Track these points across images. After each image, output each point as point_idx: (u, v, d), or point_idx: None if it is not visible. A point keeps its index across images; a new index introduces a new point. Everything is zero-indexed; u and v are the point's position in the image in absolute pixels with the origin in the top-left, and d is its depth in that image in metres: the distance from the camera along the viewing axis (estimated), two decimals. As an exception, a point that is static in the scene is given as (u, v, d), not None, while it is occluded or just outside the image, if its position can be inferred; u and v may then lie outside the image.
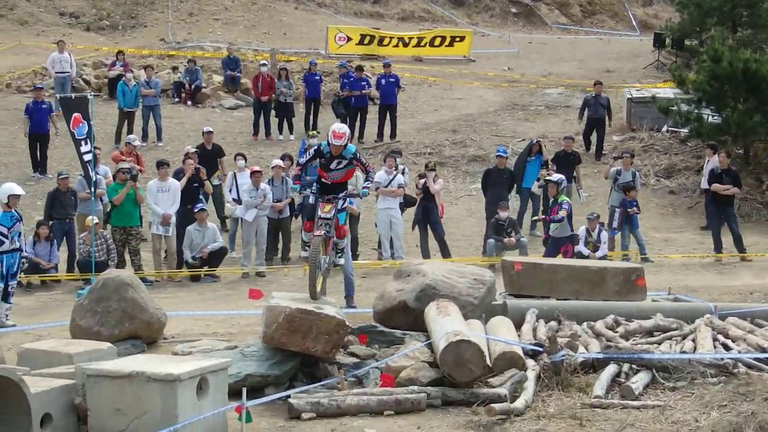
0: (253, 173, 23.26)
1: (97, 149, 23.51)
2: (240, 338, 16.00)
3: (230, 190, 23.94)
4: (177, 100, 35.43)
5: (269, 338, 13.61)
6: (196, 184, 23.33)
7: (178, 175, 23.43)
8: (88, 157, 21.12)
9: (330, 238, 15.20)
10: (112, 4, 47.11)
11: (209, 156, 25.54)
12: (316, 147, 15.57)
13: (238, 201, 23.36)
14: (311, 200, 15.43)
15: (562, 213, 21.46)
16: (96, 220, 21.64)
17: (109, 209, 22.69)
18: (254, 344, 14.07)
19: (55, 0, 46.98)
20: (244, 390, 11.73)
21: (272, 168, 24.19)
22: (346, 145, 15.03)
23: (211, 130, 27.03)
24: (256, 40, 44.13)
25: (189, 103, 35.26)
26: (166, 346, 16.03)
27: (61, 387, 11.77)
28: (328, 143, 15.02)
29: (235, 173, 24.10)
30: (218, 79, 37.10)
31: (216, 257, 22.60)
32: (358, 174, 18.86)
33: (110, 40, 43.56)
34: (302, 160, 16.14)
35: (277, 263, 23.39)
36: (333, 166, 15.16)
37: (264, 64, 33.26)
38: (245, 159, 25.04)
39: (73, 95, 24.90)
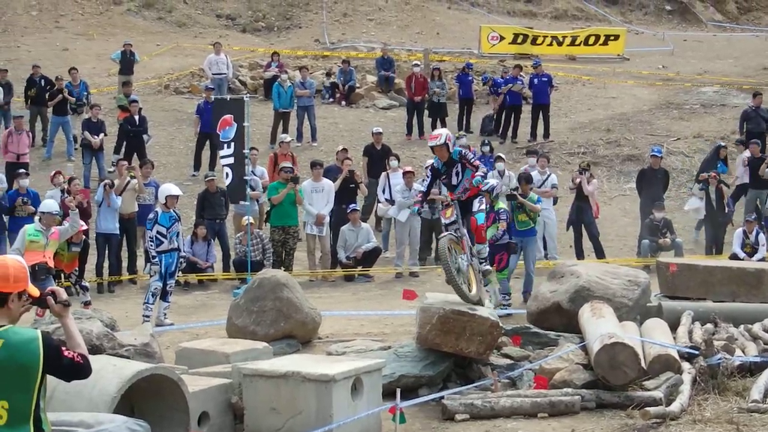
0: (405, 173, 23.32)
1: (254, 150, 23.84)
2: (394, 339, 16.05)
3: (383, 191, 24.03)
4: (331, 100, 35.72)
5: (423, 339, 13.63)
6: (352, 185, 23.48)
7: (329, 173, 23.60)
8: (229, 161, 21.20)
9: (461, 238, 14.47)
10: (267, 5, 47.67)
11: (378, 156, 25.71)
12: (429, 167, 15.31)
13: (391, 201, 23.44)
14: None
15: (503, 225, 19.39)
16: (251, 221, 21.91)
17: (268, 208, 22.96)
18: (408, 345, 14.10)
19: (212, 2, 47.77)
20: (398, 391, 11.75)
21: (426, 168, 24.19)
22: (446, 145, 14.49)
23: (381, 130, 27.18)
24: (410, 40, 44.21)
25: (343, 103, 35.52)
26: (320, 345, 16.17)
27: (218, 386, 11.93)
28: (433, 151, 14.80)
29: (388, 173, 24.21)
30: (372, 79, 37.30)
31: (370, 257, 22.72)
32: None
33: (266, 42, 44.11)
34: (424, 187, 15.34)
35: (431, 263, 23.36)
36: (454, 181, 14.59)
37: (417, 65, 33.27)
38: (398, 159, 25.09)
39: (228, 97, 25.25)
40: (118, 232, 22.14)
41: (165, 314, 18.57)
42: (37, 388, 6.26)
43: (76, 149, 29.56)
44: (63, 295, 6.52)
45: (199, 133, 28.48)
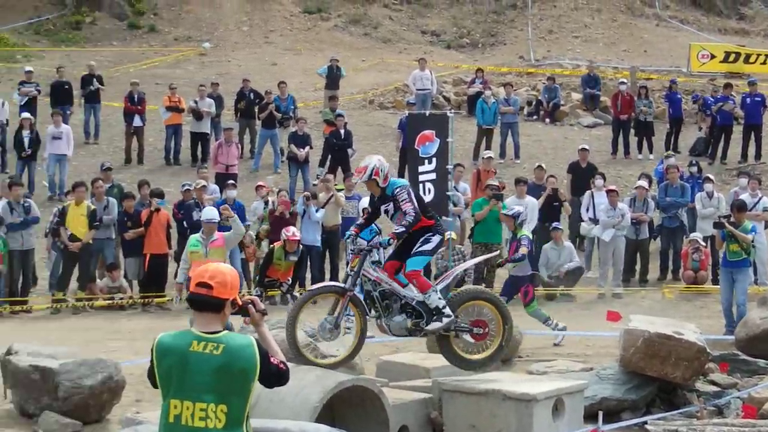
0: (609, 192, 22.97)
1: (459, 166, 23.80)
2: (596, 360, 15.82)
3: (587, 209, 23.71)
4: (535, 117, 35.51)
5: (627, 362, 13.36)
6: (556, 203, 23.24)
7: (533, 191, 23.40)
8: (430, 176, 21.01)
9: (352, 298, 11.87)
10: (472, 22, 47.78)
11: (583, 174, 25.37)
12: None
13: (595, 220, 23.11)
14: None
15: (523, 250, 18.46)
16: (453, 236, 21.81)
17: (472, 225, 22.88)
18: (611, 367, 13.85)
19: (418, 18, 48.12)
20: (601, 413, 11.53)
21: (635, 188, 23.82)
22: (373, 180, 12.22)
23: (587, 147, 26.87)
24: (616, 58, 43.63)
25: (547, 120, 35.26)
26: (520, 364, 16.02)
27: (418, 400, 11.92)
28: None
29: (592, 192, 23.86)
30: (577, 96, 36.94)
31: (572, 276, 22.41)
32: None
33: (470, 58, 44.15)
34: (360, 220, 13.65)
35: (635, 285, 22.97)
36: (383, 212, 12.50)
37: (623, 83, 32.78)
38: (604, 178, 24.68)
39: (428, 112, 25.26)
40: (319, 244, 22.40)
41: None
42: (251, 393, 6.40)
43: (282, 162, 30.08)
44: (260, 304, 6.68)
45: (401, 147, 28.58)
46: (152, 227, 21.77)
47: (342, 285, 11.99)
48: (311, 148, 28.56)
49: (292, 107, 31.39)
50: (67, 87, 31.66)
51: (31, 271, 22.23)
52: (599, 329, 17.85)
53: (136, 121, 30.55)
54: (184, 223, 22.03)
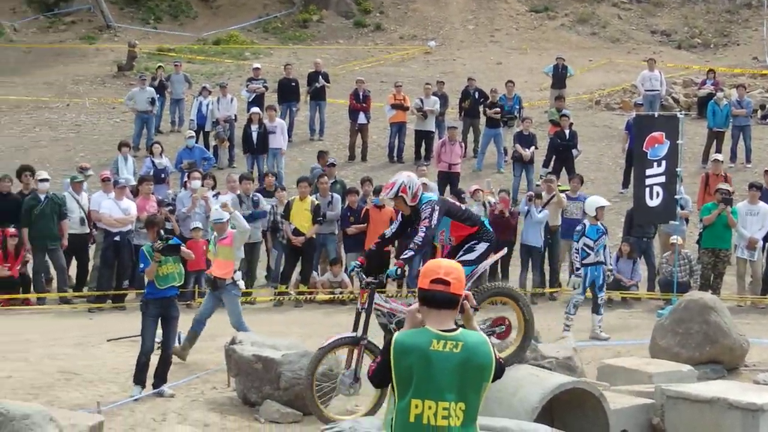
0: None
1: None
2: (826, 371, 15.17)
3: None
4: (768, 121, 34.49)
5: None
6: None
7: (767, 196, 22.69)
8: (659, 180, 20.54)
9: (367, 346, 11.33)
10: (704, 21, 46.72)
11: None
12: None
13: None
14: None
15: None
16: (679, 240, 21.30)
17: (701, 229, 22.30)
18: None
19: (648, 18, 47.33)
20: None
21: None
22: (401, 198, 11.54)
23: None
24: None
25: (780, 124, 34.19)
26: (746, 373, 15.56)
27: (639, 405, 11.75)
28: None
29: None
30: (813, 99, 35.70)
31: (797, 285, 21.65)
32: None
33: (701, 59, 43.14)
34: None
35: None
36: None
37: None
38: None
39: (656, 114, 24.72)
40: (541, 245, 22.12)
41: (600, 327, 18.41)
42: (485, 390, 6.36)
43: (506, 161, 29.97)
44: (473, 300, 6.63)
45: (628, 149, 28.09)
46: (373, 223, 21.85)
47: (353, 335, 11.38)
48: (536, 148, 28.33)
49: (518, 107, 31.22)
50: (293, 84, 32.36)
51: (256, 264, 22.61)
52: (830, 340, 17.27)
53: (361, 119, 30.95)
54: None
